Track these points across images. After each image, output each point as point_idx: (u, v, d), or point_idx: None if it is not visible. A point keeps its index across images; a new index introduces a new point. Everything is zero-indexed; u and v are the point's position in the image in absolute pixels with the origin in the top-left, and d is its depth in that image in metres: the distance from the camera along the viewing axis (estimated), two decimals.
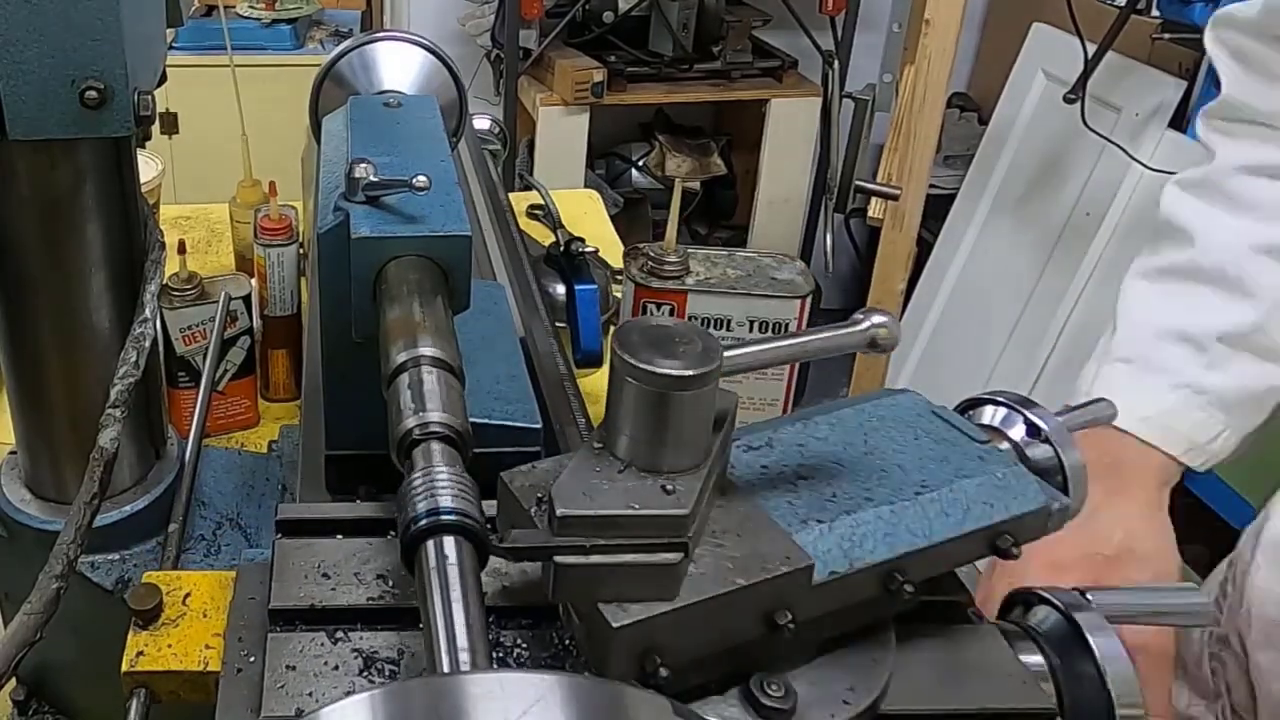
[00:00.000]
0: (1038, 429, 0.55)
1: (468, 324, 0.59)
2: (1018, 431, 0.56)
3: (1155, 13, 2.34)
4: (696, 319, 1.00)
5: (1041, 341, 2.61)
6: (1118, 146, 2.35)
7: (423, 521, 0.43)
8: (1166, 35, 2.18)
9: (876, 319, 0.48)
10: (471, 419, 0.50)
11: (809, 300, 1.00)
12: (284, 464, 0.93)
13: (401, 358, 0.52)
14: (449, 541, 0.43)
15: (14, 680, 0.72)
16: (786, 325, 1.00)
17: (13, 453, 0.74)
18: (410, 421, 0.48)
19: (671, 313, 1.00)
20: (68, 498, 0.69)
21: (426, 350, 0.52)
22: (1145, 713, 0.51)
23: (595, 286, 1.12)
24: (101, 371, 0.65)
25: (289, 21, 2.84)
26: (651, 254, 1.00)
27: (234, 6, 2.83)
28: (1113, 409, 0.61)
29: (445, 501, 0.44)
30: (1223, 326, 0.82)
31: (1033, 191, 2.75)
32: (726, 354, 0.44)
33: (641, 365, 0.42)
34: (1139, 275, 0.89)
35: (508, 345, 0.77)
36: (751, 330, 1.00)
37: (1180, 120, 2.43)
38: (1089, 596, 0.55)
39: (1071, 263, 2.57)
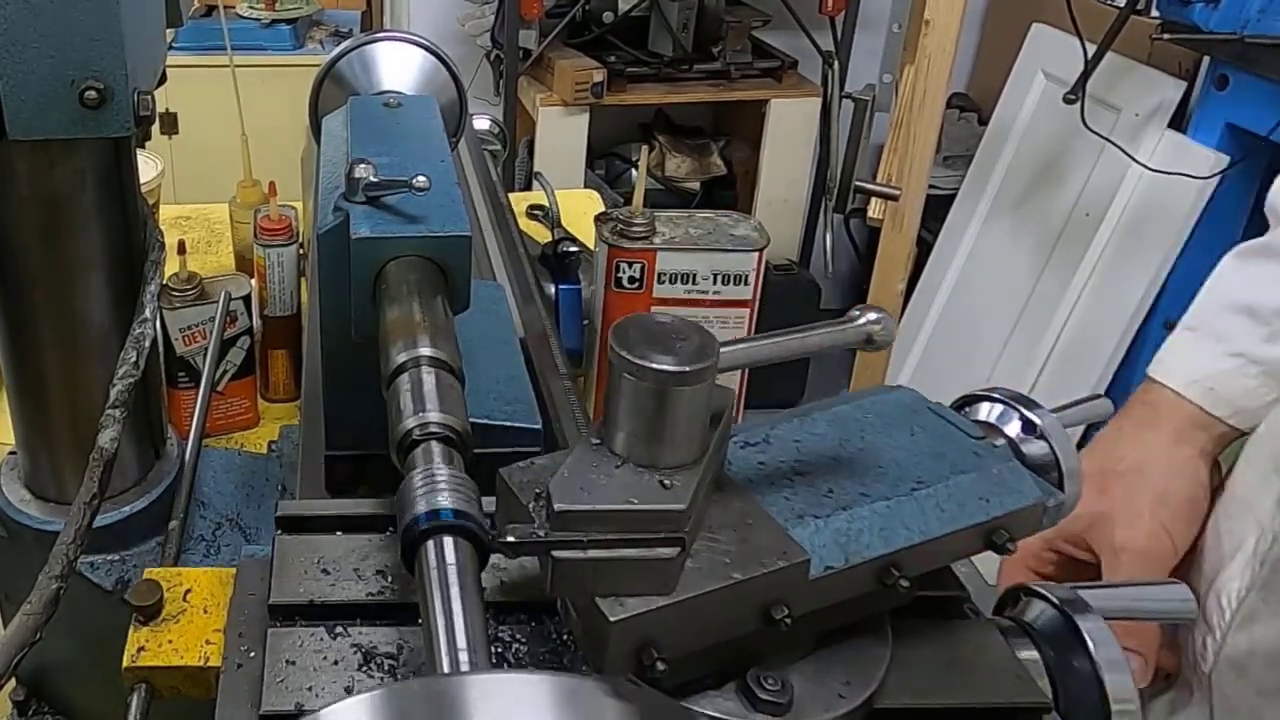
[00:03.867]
0: (1033, 425, 0.55)
1: (468, 324, 0.59)
2: (1013, 428, 0.56)
3: (1155, 13, 2.34)
4: (665, 274, 1.11)
5: (1041, 341, 2.61)
6: (1117, 147, 2.35)
7: (423, 522, 0.43)
8: (1166, 35, 2.18)
9: (872, 315, 0.48)
10: (471, 419, 0.50)
11: (764, 253, 1.11)
12: (284, 464, 0.93)
13: (401, 358, 0.52)
14: (449, 542, 0.43)
15: (14, 680, 0.72)
16: (745, 276, 1.11)
17: (13, 453, 0.74)
18: (410, 422, 0.48)
19: (642, 270, 1.10)
20: (68, 498, 0.69)
21: (426, 350, 0.52)
22: (1138, 706, 0.51)
23: (577, 286, 1.14)
24: (101, 371, 0.65)
25: (289, 21, 2.84)
26: (621, 218, 1.09)
27: (234, 6, 2.83)
28: (1109, 406, 0.62)
29: (445, 502, 0.44)
30: None
31: (1032, 192, 2.75)
32: (722, 350, 0.44)
33: (638, 361, 0.42)
34: (1232, 255, 0.89)
35: (508, 345, 0.77)
36: (714, 282, 1.11)
37: (1180, 120, 2.43)
38: (1080, 592, 0.55)
39: (1071, 263, 2.57)
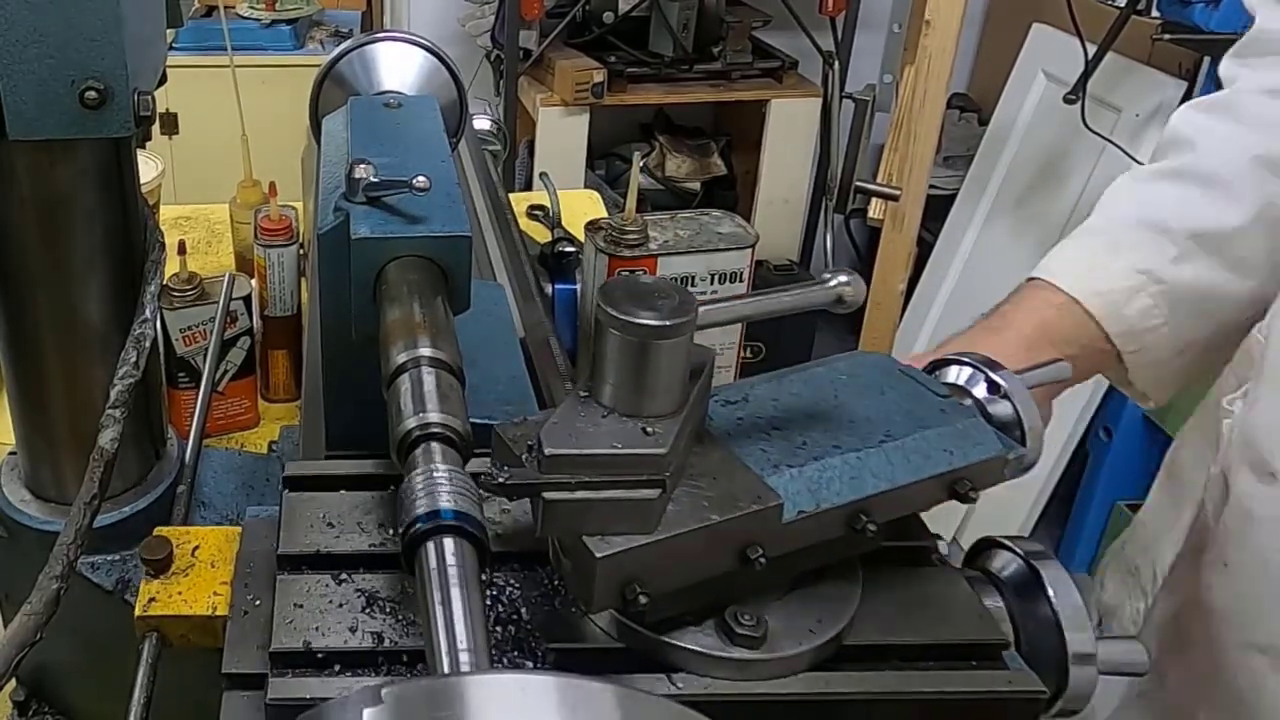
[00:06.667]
0: (998, 386, 0.59)
1: (468, 324, 0.59)
2: (980, 389, 0.60)
3: (1155, 13, 2.34)
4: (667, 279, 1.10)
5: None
6: (1118, 147, 2.35)
7: (423, 523, 0.43)
8: (1166, 36, 2.18)
9: (842, 277, 0.52)
10: (472, 419, 0.50)
11: (754, 249, 1.15)
12: (284, 464, 0.93)
13: (402, 358, 0.52)
14: (449, 542, 0.43)
15: (14, 681, 0.72)
16: (740, 274, 1.14)
17: (13, 453, 0.74)
18: (410, 422, 0.48)
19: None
20: (68, 498, 0.69)
21: (426, 351, 0.52)
22: (1097, 650, 0.53)
23: (574, 287, 1.14)
24: (101, 371, 0.65)
25: (289, 22, 2.84)
26: (612, 225, 1.10)
27: (234, 7, 2.83)
28: (1068, 369, 0.64)
29: (445, 502, 0.44)
30: (1202, 225, 0.80)
31: (1033, 192, 2.75)
32: (701, 309, 0.48)
33: (623, 317, 0.46)
34: (1129, 177, 0.88)
35: (508, 345, 0.77)
36: (712, 282, 1.14)
37: None
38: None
39: None
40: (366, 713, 0.31)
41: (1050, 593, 0.54)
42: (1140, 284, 0.80)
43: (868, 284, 2.42)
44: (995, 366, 0.60)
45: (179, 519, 0.74)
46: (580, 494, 0.45)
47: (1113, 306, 0.80)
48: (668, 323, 0.46)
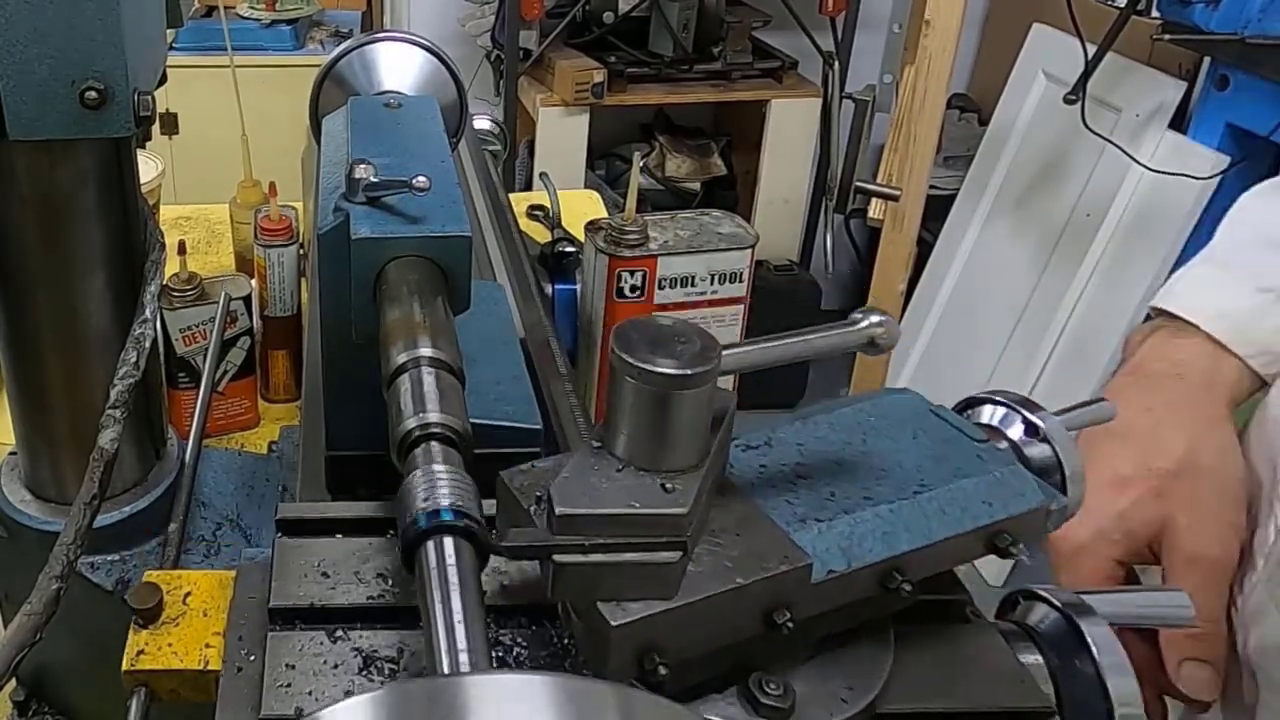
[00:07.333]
0: (1036, 428, 0.55)
1: (468, 324, 0.59)
2: (1016, 431, 0.56)
3: (1155, 13, 2.34)
4: (666, 279, 1.12)
5: (1041, 342, 2.61)
6: (1118, 147, 2.35)
7: (423, 522, 0.43)
8: (1167, 36, 2.18)
9: (875, 319, 0.48)
10: (472, 419, 0.50)
11: (755, 249, 1.14)
12: (284, 464, 0.93)
13: (402, 358, 0.52)
14: (449, 542, 0.42)
15: (14, 681, 0.72)
16: (740, 274, 1.13)
17: (13, 453, 0.74)
18: (410, 422, 0.48)
19: (644, 277, 1.11)
20: (68, 498, 0.69)
21: (427, 351, 0.52)
22: (1145, 712, 0.51)
23: (574, 287, 1.14)
24: (101, 371, 0.65)
25: (289, 22, 2.84)
26: (612, 225, 1.09)
27: (234, 7, 2.83)
28: (1112, 409, 0.60)
29: (445, 502, 0.43)
30: None
31: (1033, 192, 2.75)
32: (725, 353, 0.44)
33: (640, 364, 0.42)
34: (1252, 194, 0.84)
35: (508, 345, 0.77)
36: (712, 282, 1.13)
37: (1180, 121, 2.43)
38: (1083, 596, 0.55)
39: (1071, 263, 2.57)
40: (367, 713, 0.31)
41: (1093, 649, 0.51)
42: (1268, 302, 0.76)
43: (868, 284, 2.44)
44: (1032, 406, 0.56)
45: (179, 519, 0.75)
46: (595, 557, 0.42)
47: (1240, 331, 0.75)
48: (689, 372, 0.42)
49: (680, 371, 0.42)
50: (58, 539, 0.57)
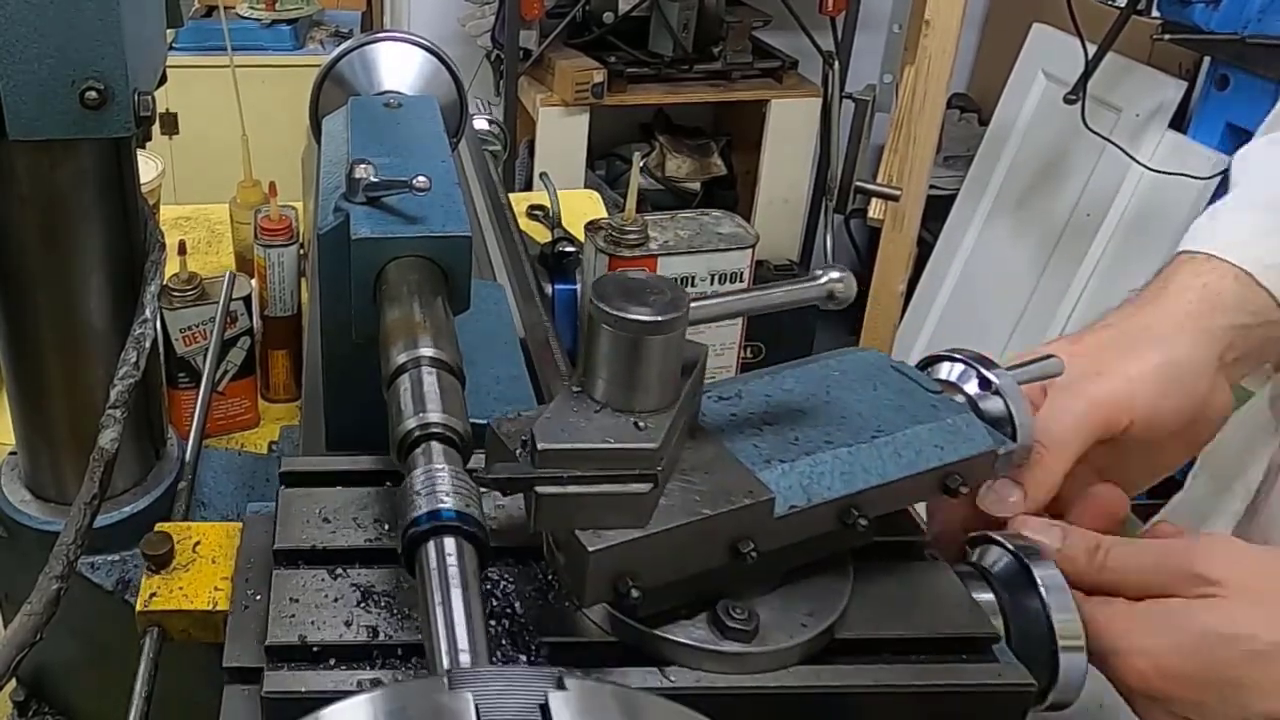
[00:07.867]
0: (990, 383, 0.59)
1: (468, 324, 0.59)
2: (972, 386, 0.60)
3: (1155, 13, 2.34)
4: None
5: (1041, 342, 2.61)
6: (1118, 147, 2.35)
7: (423, 523, 0.43)
8: (1167, 36, 2.18)
9: (834, 274, 0.52)
10: (472, 419, 0.50)
11: (755, 249, 1.16)
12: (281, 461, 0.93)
13: (402, 358, 0.52)
14: (449, 542, 0.43)
15: (14, 681, 0.72)
16: (740, 274, 1.14)
17: (13, 453, 0.74)
18: (411, 422, 0.48)
19: None
20: (68, 498, 0.69)
21: (427, 351, 0.52)
22: (1085, 642, 0.53)
23: (574, 287, 1.14)
24: (101, 371, 0.65)
25: (289, 22, 2.84)
26: (612, 225, 1.10)
27: (234, 7, 2.83)
28: (1060, 366, 0.62)
29: (446, 502, 0.44)
30: None
31: (1033, 192, 2.75)
32: (693, 304, 0.48)
33: (615, 312, 0.46)
34: (1263, 143, 0.81)
35: (508, 345, 0.77)
36: (712, 282, 1.14)
37: (1180, 121, 2.43)
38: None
39: (1071, 263, 2.57)
40: (366, 712, 0.31)
41: (1041, 587, 0.54)
42: None
43: (868, 284, 2.44)
44: (988, 363, 0.61)
45: (179, 519, 0.74)
46: (572, 488, 0.46)
47: (1260, 262, 0.71)
48: (660, 318, 0.46)
49: (653, 318, 0.46)
50: (58, 539, 0.57)
